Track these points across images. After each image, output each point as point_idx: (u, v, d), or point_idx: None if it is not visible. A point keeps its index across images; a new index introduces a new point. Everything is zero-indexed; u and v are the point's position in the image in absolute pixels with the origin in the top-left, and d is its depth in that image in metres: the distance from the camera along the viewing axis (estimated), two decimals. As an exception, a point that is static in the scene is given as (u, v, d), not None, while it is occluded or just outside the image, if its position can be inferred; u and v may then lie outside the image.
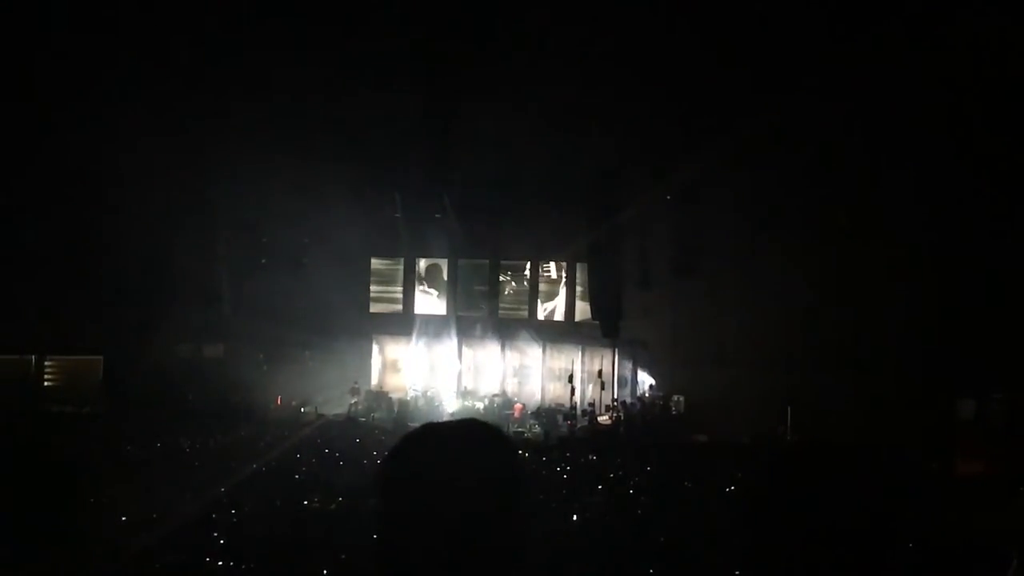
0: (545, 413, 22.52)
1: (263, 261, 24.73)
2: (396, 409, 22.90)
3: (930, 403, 17.53)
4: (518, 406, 23.10)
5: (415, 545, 1.50)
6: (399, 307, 26.42)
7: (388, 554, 1.53)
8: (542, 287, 25.86)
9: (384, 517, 1.54)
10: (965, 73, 16.43)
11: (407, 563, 1.50)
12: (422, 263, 26.47)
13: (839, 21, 16.91)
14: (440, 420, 1.81)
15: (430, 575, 1.49)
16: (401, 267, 26.48)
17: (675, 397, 22.17)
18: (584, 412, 22.67)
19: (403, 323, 25.79)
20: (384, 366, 26.05)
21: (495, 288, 25.94)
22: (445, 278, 26.17)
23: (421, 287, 26.54)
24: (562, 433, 21.04)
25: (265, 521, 9.14)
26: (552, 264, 25.70)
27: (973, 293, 17.47)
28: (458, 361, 25.27)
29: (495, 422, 5.24)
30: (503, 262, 25.85)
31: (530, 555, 1.56)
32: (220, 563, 7.39)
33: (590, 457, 15.64)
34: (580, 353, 24.48)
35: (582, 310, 24.96)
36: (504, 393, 24.28)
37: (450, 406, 23.14)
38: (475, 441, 1.60)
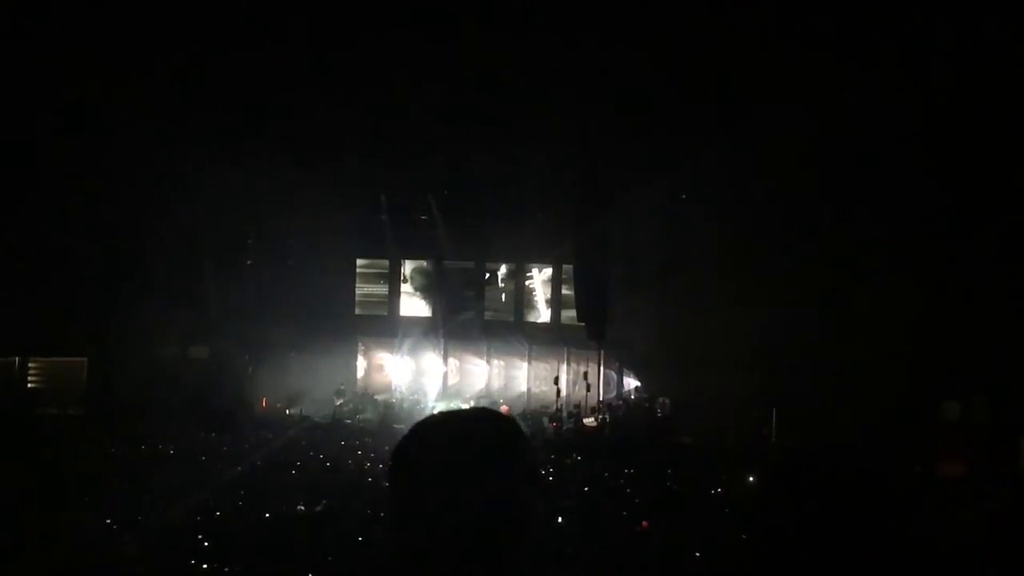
0: (531, 415, 22.51)
1: (248, 262, 24.65)
2: (381, 411, 22.86)
3: (914, 405, 17.58)
4: (504, 408, 23.04)
5: (428, 528, 1.52)
6: (385, 309, 26.39)
7: (400, 540, 1.55)
8: (528, 289, 25.85)
9: (396, 500, 1.56)
10: (952, 77, 16.53)
11: (420, 546, 1.52)
12: (408, 265, 26.43)
13: (827, 25, 16.98)
14: None
15: (444, 557, 1.51)
16: (387, 269, 26.44)
17: (660, 399, 22.17)
18: (570, 414, 22.66)
19: (388, 325, 25.76)
20: (369, 368, 26.03)
21: (481, 290, 25.92)
22: (431, 280, 26.14)
23: (407, 289, 26.51)
24: (547, 435, 21.02)
25: (250, 523, 9.14)
26: (537, 266, 25.68)
27: (957, 294, 17.56)
28: (443, 363, 25.27)
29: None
30: (489, 264, 25.83)
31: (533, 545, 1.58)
32: (205, 566, 7.38)
33: (575, 458, 15.71)
34: (566, 355, 24.50)
35: (568, 312, 24.95)
36: (489, 395, 24.28)
37: (435, 408, 23.08)
38: (487, 426, 1.63)
